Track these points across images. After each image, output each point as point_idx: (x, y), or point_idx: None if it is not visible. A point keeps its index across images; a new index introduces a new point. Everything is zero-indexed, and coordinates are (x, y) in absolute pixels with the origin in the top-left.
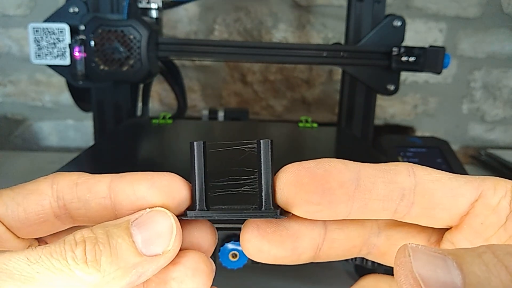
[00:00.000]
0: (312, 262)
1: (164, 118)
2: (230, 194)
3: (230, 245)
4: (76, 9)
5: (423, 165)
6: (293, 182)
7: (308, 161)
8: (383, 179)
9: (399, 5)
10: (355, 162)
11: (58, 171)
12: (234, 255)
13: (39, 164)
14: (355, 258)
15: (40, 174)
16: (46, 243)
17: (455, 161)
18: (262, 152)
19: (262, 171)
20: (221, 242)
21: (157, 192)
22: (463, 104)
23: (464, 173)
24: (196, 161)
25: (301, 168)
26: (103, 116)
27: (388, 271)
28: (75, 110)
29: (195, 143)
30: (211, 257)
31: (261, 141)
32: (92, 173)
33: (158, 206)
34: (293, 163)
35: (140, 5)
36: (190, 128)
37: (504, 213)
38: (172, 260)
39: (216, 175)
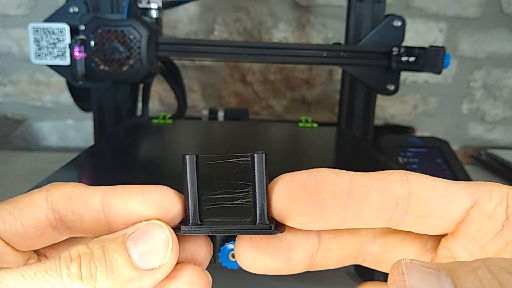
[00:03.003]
0: None
1: (164, 118)
2: (223, 207)
3: (230, 245)
4: (76, 9)
5: (423, 165)
6: (285, 194)
7: (300, 171)
8: (376, 188)
9: (399, 5)
10: (347, 172)
11: (58, 171)
12: (234, 255)
13: (39, 164)
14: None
15: (40, 174)
16: (45, 255)
17: (455, 161)
18: (256, 166)
19: (256, 186)
20: (221, 242)
21: (149, 208)
22: (463, 104)
23: (464, 173)
24: (188, 175)
25: (293, 179)
26: (103, 116)
27: (387, 275)
28: (75, 110)
29: (187, 156)
30: (212, 256)
31: (255, 155)
32: (93, 173)
33: (150, 219)
34: (285, 174)
35: (140, 5)
36: (190, 128)
37: (500, 220)
38: (169, 274)
39: (210, 188)
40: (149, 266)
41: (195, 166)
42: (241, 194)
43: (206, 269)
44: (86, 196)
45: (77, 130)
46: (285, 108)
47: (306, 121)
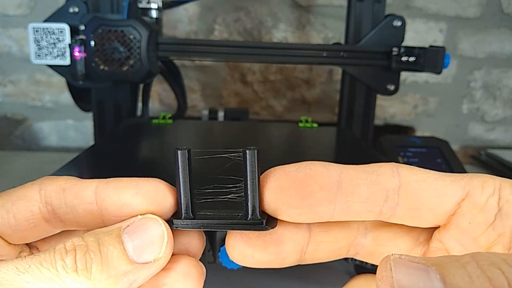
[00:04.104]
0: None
1: (164, 118)
2: (216, 201)
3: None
4: (76, 9)
5: (423, 165)
6: (274, 187)
7: (290, 164)
8: (366, 180)
9: (399, 5)
10: (337, 165)
11: (58, 171)
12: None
13: (39, 164)
14: (355, 259)
15: (40, 174)
16: (37, 248)
17: (455, 161)
18: (248, 162)
19: (248, 181)
20: (221, 242)
21: (142, 199)
22: (463, 104)
23: (464, 173)
24: (180, 169)
25: (282, 172)
26: (103, 116)
27: None
28: (75, 110)
29: (179, 152)
30: (212, 256)
31: (247, 151)
32: (93, 173)
33: (146, 213)
34: (275, 167)
35: (140, 5)
36: (190, 128)
37: (492, 212)
38: (164, 266)
39: (202, 182)
40: (144, 259)
41: (187, 160)
42: (233, 189)
43: (206, 269)
44: (79, 188)
45: (77, 130)
46: (285, 108)
47: (306, 121)
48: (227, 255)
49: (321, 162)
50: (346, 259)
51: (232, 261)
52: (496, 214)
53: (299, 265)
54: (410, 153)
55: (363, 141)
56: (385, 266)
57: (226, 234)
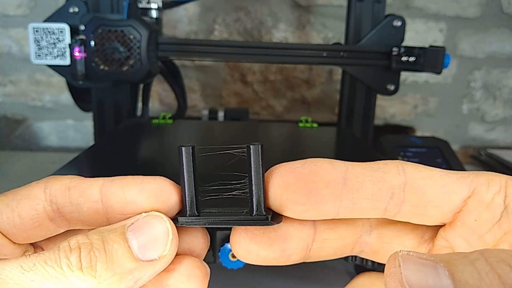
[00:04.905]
0: (312, 262)
1: (164, 118)
2: (220, 198)
3: (230, 245)
4: (76, 9)
5: (423, 165)
6: (279, 183)
7: (295, 161)
8: (371, 177)
9: (399, 5)
10: (342, 161)
11: (58, 171)
12: (234, 255)
13: (39, 164)
14: (355, 258)
15: (40, 174)
16: (42, 248)
17: (455, 161)
18: (252, 157)
19: (253, 177)
20: (221, 242)
21: (147, 197)
22: (463, 104)
23: None
24: (184, 167)
25: (287, 168)
26: (103, 116)
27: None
28: (75, 110)
29: (183, 148)
30: (212, 256)
31: (251, 146)
32: (93, 173)
33: (150, 211)
34: (280, 164)
35: (140, 5)
36: (190, 128)
37: (498, 210)
38: (167, 267)
39: (206, 179)
40: (149, 257)
41: (191, 157)
42: (238, 185)
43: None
44: (84, 187)
45: (77, 130)
46: (285, 108)
47: (306, 121)
48: (227, 255)
49: (326, 159)
50: (346, 258)
51: (232, 261)
52: (502, 212)
53: (299, 265)
54: (410, 153)
55: (363, 141)
56: (394, 263)
57: (226, 234)
